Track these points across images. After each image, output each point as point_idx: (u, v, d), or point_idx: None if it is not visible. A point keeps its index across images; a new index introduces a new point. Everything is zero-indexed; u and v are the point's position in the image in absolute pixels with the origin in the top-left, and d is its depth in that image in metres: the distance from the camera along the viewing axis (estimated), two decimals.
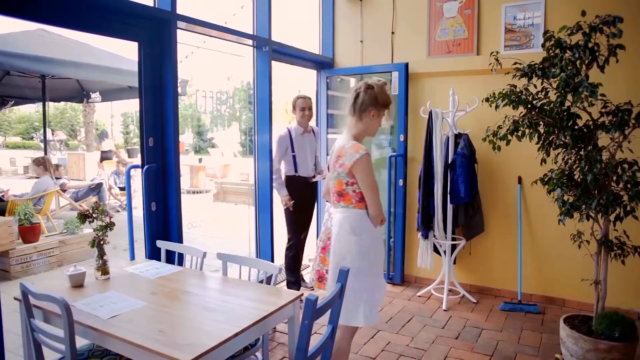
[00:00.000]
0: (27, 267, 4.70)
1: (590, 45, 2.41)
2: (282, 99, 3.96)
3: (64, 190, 7.17)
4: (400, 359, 2.97)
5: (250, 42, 3.76)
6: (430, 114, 3.89)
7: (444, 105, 3.97)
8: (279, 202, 3.85)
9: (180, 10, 3.04)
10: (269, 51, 3.80)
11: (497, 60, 2.78)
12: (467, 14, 4.00)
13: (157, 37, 2.97)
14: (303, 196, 3.89)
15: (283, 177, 3.89)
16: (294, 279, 3.91)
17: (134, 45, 2.94)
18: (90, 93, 7.15)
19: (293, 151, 3.83)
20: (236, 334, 1.73)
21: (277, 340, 3.21)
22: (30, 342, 1.94)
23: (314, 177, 3.99)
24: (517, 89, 2.70)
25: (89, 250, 4.93)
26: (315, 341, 1.77)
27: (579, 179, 2.60)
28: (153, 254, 3.00)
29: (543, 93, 2.69)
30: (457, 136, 3.84)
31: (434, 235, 3.94)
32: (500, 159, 3.81)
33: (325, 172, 4.02)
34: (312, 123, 4.84)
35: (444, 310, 3.75)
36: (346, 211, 2.22)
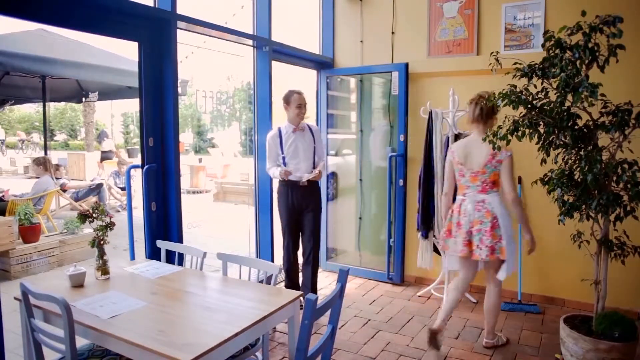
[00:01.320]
0: (27, 267, 4.70)
1: (590, 45, 2.40)
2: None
3: (64, 191, 7.17)
4: (400, 359, 2.97)
5: (250, 42, 3.76)
6: (430, 114, 3.89)
7: (444, 105, 3.97)
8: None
9: (180, 10, 3.04)
10: (269, 51, 3.80)
11: (497, 60, 2.78)
12: (467, 14, 4.00)
13: (157, 37, 2.97)
14: (295, 204, 3.50)
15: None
16: (291, 285, 3.70)
17: (134, 45, 2.95)
18: (89, 93, 7.14)
19: (282, 152, 3.49)
20: (236, 334, 1.73)
21: (277, 340, 3.21)
22: (31, 342, 1.94)
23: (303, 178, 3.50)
24: (517, 89, 2.69)
25: (89, 250, 4.93)
26: (315, 341, 1.77)
27: (579, 179, 2.60)
28: (153, 254, 3.01)
29: (543, 93, 2.68)
30: (457, 136, 3.84)
31: (434, 235, 3.94)
32: None
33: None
34: (312, 122, 4.85)
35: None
36: (498, 195, 2.93)
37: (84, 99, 7.45)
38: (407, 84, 4.20)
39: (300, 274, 3.77)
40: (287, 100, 3.49)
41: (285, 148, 3.50)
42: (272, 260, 3.93)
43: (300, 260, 3.73)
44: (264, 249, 4.01)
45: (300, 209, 3.54)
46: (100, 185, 7.83)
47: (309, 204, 3.53)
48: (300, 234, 3.64)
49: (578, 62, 2.46)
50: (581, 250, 2.77)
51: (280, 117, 3.80)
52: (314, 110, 4.75)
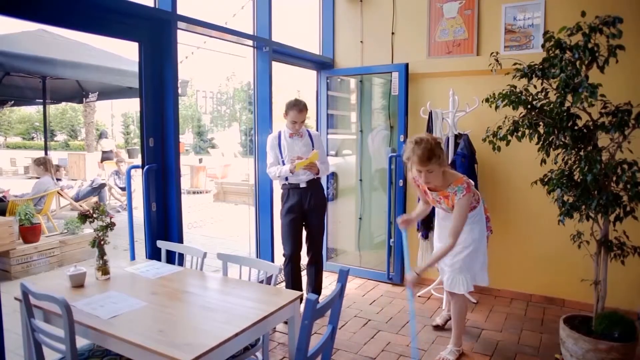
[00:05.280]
0: (28, 267, 4.70)
1: (590, 45, 2.40)
2: (283, 99, 3.87)
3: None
4: (400, 359, 2.98)
5: (250, 42, 3.76)
6: (430, 114, 3.89)
7: (444, 105, 3.97)
8: (279, 202, 3.67)
9: (181, 10, 3.04)
10: (269, 51, 3.80)
11: (497, 60, 2.78)
12: (467, 15, 4.00)
13: (157, 38, 2.98)
14: (298, 207, 3.46)
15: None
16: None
17: (134, 46, 2.95)
18: (89, 93, 7.14)
19: (281, 156, 3.46)
20: (236, 334, 1.73)
21: (277, 340, 3.22)
22: (31, 342, 1.94)
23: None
24: (517, 90, 2.70)
25: (89, 251, 4.93)
26: (315, 341, 1.78)
27: (578, 180, 2.60)
28: (153, 254, 3.01)
29: (543, 93, 2.69)
30: (457, 137, 3.84)
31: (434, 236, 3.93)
32: (500, 160, 3.81)
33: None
34: (312, 122, 4.85)
35: (444, 310, 3.75)
36: None
37: (84, 99, 7.45)
38: (407, 84, 4.20)
39: (303, 274, 3.77)
40: (286, 111, 3.44)
41: (284, 152, 3.48)
42: (272, 261, 3.93)
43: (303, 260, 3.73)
44: (264, 249, 4.01)
45: (304, 211, 3.49)
46: (102, 186, 7.82)
47: (312, 204, 3.48)
48: (305, 234, 3.61)
49: (578, 63, 2.47)
50: (581, 251, 2.77)
51: (281, 117, 3.80)
52: (314, 110, 4.75)
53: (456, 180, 2.64)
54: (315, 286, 3.65)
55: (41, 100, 7.05)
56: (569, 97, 2.50)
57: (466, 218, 2.66)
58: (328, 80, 4.66)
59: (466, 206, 2.61)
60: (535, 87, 2.69)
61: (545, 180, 2.75)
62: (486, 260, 2.90)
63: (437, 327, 3.39)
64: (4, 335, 2.25)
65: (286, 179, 3.47)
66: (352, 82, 4.78)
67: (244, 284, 2.39)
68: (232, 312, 1.94)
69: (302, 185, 3.45)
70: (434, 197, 2.77)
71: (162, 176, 3.10)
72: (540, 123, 2.68)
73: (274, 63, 3.90)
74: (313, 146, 3.51)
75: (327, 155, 4.60)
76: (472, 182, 2.76)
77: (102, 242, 2.32)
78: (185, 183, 10.16)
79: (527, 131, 2.70)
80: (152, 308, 1.99)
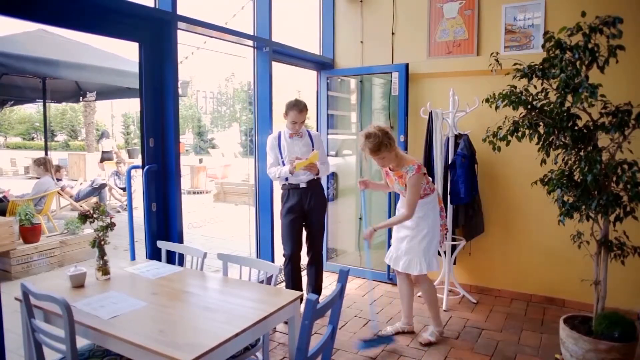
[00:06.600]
0: (28, 267, 4.71)
1: (590, 46, 2.40)
2: (283, 99, 3.86)
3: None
4: (400, 359, 2.98)
5: (250, 42, 3.76)
6: (431, 114, 3.89)
7: (444, 105, 3.97)
8: (279, 203, 3.68)
9: (181, 10, 3.04)
10: (270, 52, 3.80)
11: (497, 61, 2.78)
12: (467, 15, 4.00)
13: (157, 38, 2.98)
14: (298, 207, 3.46)
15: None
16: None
17: (135, 46, 2.95)
18: (87, 93, 7.13)
19: (281, 156, 3.46)
20: (236, 334, 1.74)
21: (277, 341, 3.22)
22: (31, 342, 1.94)
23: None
24: (517, 90, 2.70)
25: (89, 251, 4.93)
26: (315, 341, 1.78)
27: (578, 180, 2.60)
28: (154, 254, 3.01)
29: (543, 94, 2.69)
30: (457, 137, 3.85)
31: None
32: (500, 160, 3.82)
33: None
34: (312, 123, 4.85)
35: (444, 310, 3.75)
36: None
37: (81, 98, 7.44)
38: (407, 84, 4.20)
39: (303, 274, 3.77)
40: (285, 111, 3.43)
41: (284, 152, 3.47)
42: (273, 261, 3.93)
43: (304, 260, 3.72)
44: (264, 250, 4.01)
45: (304, 211, 3.49)
46: (103, 186, 7.82)
47: (312, 205, 3.48)
48: (305, 234, 3.60)
49: (578, 63, 2.47)
50: (581, 251, 2.77)
51: (281, 118, 3.79)
52: (314, 111, 4.75)
53: (408, 162, 3.02)
54: (316, 286, 3.65)
55: (40, 100, 7.04)
56: (569, 97, 2.50)
57: (418, 194, 3.00)
58: (328, 81, 4.66)
59: (417, 183, 2.96)
60: (535, 87, 2.69)
61: (546, 180, 2.75)
62: (437, 248, 3.17)
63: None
64: (4, 335, 2.25)
65: (286, 179, 3.47)
66: (352, 82, 4.78)
67: (244, 284, 2.39)
68: (232, 312, 1.94)
69: (302, 185, 3.45)
70: (392, 176, 3.13)
71: (163, 176, 3.10)
72: (540, 123, 2.68)
73: (274, 63, 3.90)
74: (313, 146, 3.50)
75: (327, 155, 4.60)
76: (424, 166, 3.08)
77: (102, 243, 2.32)
78: (185, 183, 10.16)
79: (527, 131, 2.70)
80: (153, 308, 1.99)
